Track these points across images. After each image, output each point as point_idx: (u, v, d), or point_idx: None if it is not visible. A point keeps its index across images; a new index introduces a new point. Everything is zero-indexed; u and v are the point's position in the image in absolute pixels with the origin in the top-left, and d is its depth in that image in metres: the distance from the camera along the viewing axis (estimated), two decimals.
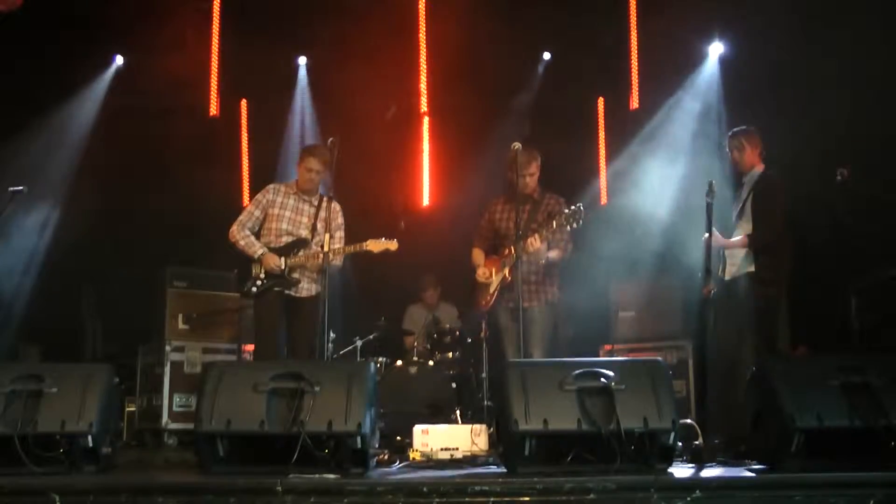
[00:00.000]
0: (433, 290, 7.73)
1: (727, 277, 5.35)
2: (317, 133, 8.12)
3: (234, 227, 5.70)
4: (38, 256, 7.39)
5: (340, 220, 5.80)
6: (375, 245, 5.59)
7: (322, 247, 5.34)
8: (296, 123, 8.33)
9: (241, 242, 5.66)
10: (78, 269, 7.70)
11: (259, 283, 5.58)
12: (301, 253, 5.60)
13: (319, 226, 5.64)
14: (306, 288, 5.63)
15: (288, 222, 5.69)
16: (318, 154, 5.67)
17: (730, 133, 5.60)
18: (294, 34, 8.09)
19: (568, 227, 5.30)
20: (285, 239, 5.67)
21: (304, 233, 5.69)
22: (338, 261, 5.65)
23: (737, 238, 5.33)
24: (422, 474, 4.04)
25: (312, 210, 5.74)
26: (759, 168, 5.48)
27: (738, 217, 5.38)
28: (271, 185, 5.85)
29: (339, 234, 5.77)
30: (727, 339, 5.33)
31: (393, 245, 5.61)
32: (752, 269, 5.26)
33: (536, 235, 5.33)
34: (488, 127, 7.86)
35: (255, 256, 5.60)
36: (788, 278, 5.38)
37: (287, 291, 5.60)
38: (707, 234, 5.22)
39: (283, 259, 5.58)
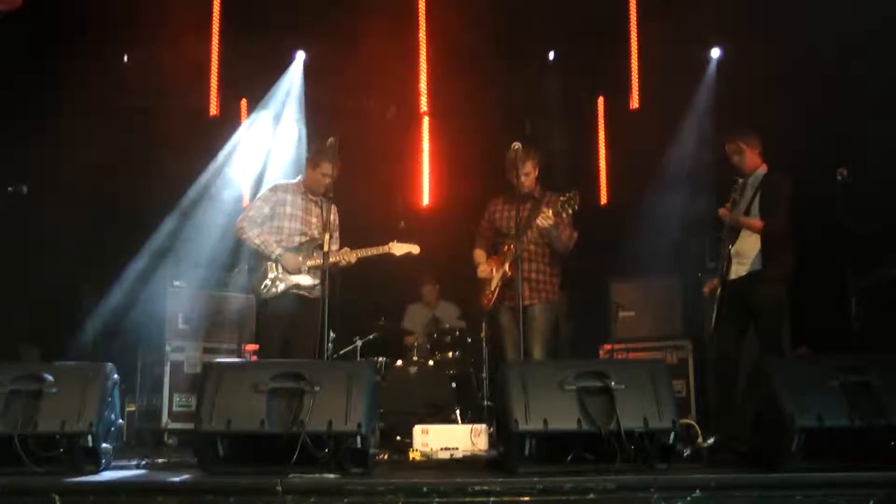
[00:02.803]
0: (431, 287, 7.74)
1: (732, 277, 5.33)
2: (315, 132, 8.09)
3: (244, 224, 5.58)
4: None
5: (337, 221, 5.77)
6: (399, 248, 5.60)
7: (323, 246, 5.25)
8: (289, 118, 8.27)
9: (257, 241, 5.53)
10: (78, 269, 7.69)
11: (278, 283, 5.49)
12: (316, 253, 5.52)
13: (315, 221, 5.62)
14: (319, 288, 5.51)
15: (300, 222, 5.64)
16: (333, 159, 5.56)
17: (727, 136, 5.56)
18: (294, 34, 8.09)
19: (563, 214, 5.30)
20: (298, 239, 5.60)
21: (317, 233, 5.61)
22: (352, 260, 5.57)
23: (753, 218, 5.29)
24: (422, 474, 4.04)
25: (319, 210, 5.66)
26: (763, 169, 5.44)
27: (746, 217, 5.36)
28: (279, 184, 5.80)
29: (336, 234, 5.74)
30: (729, 338, 5.32)
31: (415, 249, 5.64)
32: (761, 267, 5.24)
33: (549, 210, 5.31)
34: (488, 127, 7.86)
35: (273, 256, 5.50)
36: (791, 278, 5.38)
37: (302, 292, 5.53)
38: (727, 209, 5.23)
39: (301, 258, 5.53)
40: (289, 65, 8.31)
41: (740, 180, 5.36)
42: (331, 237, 5.42)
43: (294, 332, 5.48)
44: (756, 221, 5.25)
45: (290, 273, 5.49)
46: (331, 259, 5.41)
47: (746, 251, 5.29)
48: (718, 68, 7.89)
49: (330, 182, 5.51)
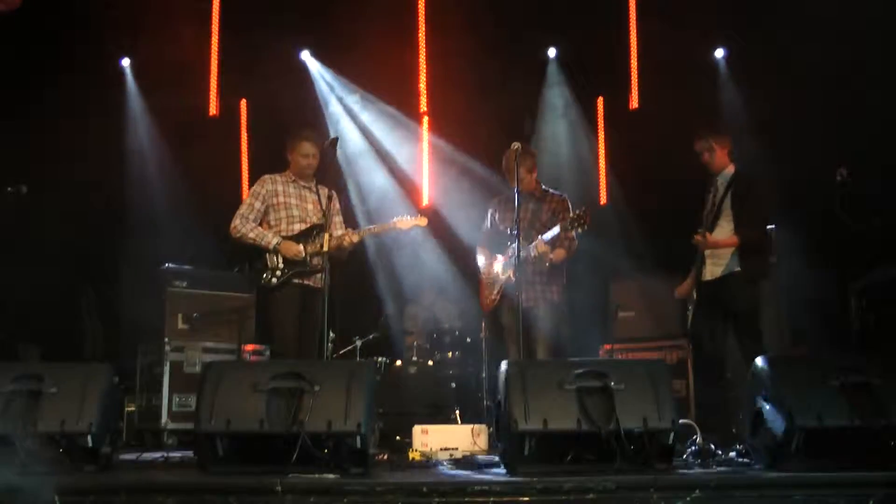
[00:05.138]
0: (429, 290, 7.75)
1: (708, 278, 5.35)
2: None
3: (237, 221, 5.49)
4: None
5: (338, 205, 5.69)
6: (405, 223, 5.55)
7: (325, 230, 5.22)
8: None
9: (252, 234, 5.44)
10: (78, 269, 7.70)
11: (279, 273, 5.39)
12: (318, 239, 5.39)
13: (312, 207, 5.55)
14: (321, 277, 5.37)
15: (297, 209, 5.54)
16: (311, 138, 5.53)
17: (698, 134, 5.55)
18: (294, 34, 8.09)
19: (573, 232, 5.29)
20: (298, 226, 5.50)
21: (315, 219, 5.53)
22: (355, 240, 5.50)
23: (728, 237, 5.31)
24: (422, 474, 4.04)
25: (315, 196, 5.55)
26: (731, 168, 5.46)
27: (716, 217, 5.36)
28: (266, 176, 5.65)
29: (339, 218, 5.66)
30: (709, 339, 5.35)
31: (423, 221, 5.60)
32: (739, 268, 5.24)
33: (541, 238, 5.32)
34: (488, 127, 7.87)
35: (271, 246, 5.40)
36: (767, 276, 5.39)
37: (307, 281, 5.43)
38: (701, 235, 5.26)
39: (302, 246, 5.43)
40: (288, 65, 8.31)
41: (718, 180, 5.39)
42: (332, 222, 5.40)
43: (301, 321, 5.38)
44: (731, 239, 5.25)
45: (291, 261, 5.40)
46: (333, 243, 5.34)
47: (722, 252, 5.30)
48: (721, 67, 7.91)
49: (314, 163, 5.49)
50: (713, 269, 5.31)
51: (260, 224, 5.54)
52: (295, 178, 5.62)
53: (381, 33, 7.54)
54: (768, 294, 6.56)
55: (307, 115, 8.25)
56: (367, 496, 3.34)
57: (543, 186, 5.78)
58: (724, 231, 5.31)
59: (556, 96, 8.40)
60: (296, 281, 5.42)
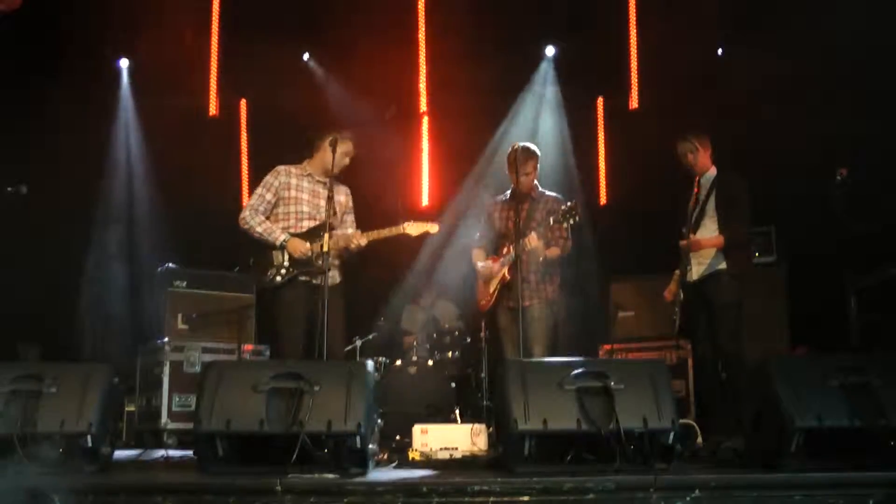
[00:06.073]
0: (428, 291, 7.74)
1: (694, 278, 5.37)
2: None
3: (247, 213, 5.32)
4: None
5: (350, 203, 5.54)
6: (414, 228, 5.34)
7: (331, 235, 5.06)
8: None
9: (259, 229, 5.26)
10: (78, 269, 7.70)
11: (284, 271, 5.25)
12: (325, 238, 5.13)
13: (325, 204, 5.25)
14: (331, 275, 5.13)
15: (308, 206, 5.35)
16: (353, 139, 5.40)
17: (682, 135, 5.55)
18: (294, 34, 8.09)
19: (565, 224, 5.28)
20: (307, 223, 5.32)
21: (325, 216, 5.31)
22: (362, 243, 5.29)
23: (713, 237, 5.34)
24: (421, 474, 4.04)
25: (329, 193, 5.31)
26: (713, 170, 5.49)
27: (699, 217, 5.39)
28: (281, 167, 5.45)
29: (350, 217, 5.49)
30: (704, 338, 5.37)
31: (433, 228, 5.40)
32: (723, 265, 5.28)
33: (534, 234, 5.31)
34: (488, 127, 7.87)
35: (279, 243, 5.22)
36: (747, 275, 5.41)
37: (315, 280, 5.23)
38: (686, 238, 5.29)
39: (309, 245, 5.24)
40: (298, 66, 8.31)
41: (700, 181, 5.42)
42: (342, 220, 5.32)
43: (310, 321, 5.17)
44: (717, 239, 5.30)
45: (297, 259, 5.24)
46: (340, 244, 5.24)
47: (706, 251, 5.35)
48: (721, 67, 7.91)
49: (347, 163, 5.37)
50: (698, 268, 5.37)
51: (268, 217, 5.38)
52: (310, 173, 5.45)
53: (380, 33, 7.54)
54: (768, 294, 6.58)
55: (308, 114, 8.25)
56: (367, 496, 3.34)
57: (540, 188, 5.78)
58: (709, 231, 5.37)
59: (553, 95, 8.39)
60: (303, 279, 5.28)
